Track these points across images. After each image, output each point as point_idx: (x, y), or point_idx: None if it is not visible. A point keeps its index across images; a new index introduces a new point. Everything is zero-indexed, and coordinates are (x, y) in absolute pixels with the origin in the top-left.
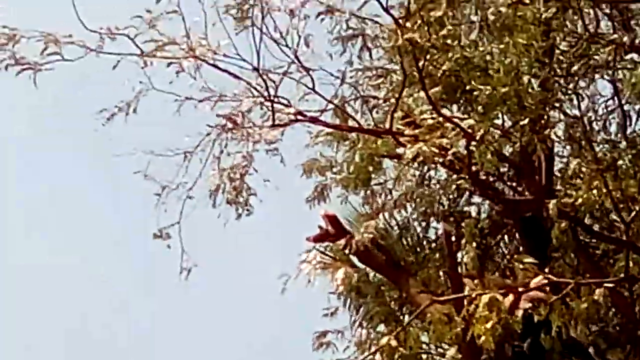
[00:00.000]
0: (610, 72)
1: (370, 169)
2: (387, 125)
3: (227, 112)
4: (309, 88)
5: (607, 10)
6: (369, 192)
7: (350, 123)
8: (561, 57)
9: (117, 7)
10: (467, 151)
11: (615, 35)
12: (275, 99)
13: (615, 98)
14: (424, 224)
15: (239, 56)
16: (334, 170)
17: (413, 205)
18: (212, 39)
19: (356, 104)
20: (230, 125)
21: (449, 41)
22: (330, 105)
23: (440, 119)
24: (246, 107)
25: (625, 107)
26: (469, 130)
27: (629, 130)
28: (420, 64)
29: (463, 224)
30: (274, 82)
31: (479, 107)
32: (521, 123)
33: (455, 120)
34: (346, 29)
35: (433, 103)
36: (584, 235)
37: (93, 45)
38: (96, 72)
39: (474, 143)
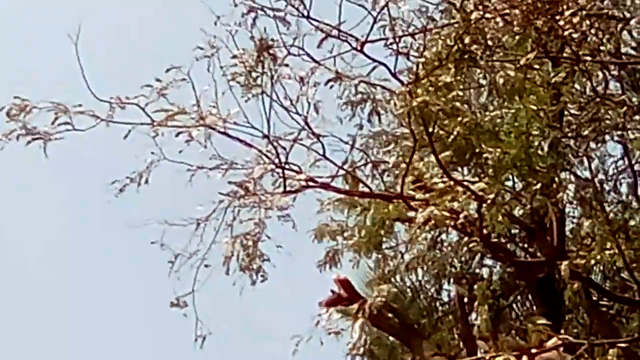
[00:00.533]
0: (620, 132)
1: (382, 232)
2: (398, 190)
3: (238, 179)
4: (319, 154)
5: (616, 72)
6: (380, 255)
7: (361, 188)
8: (571, 119)
9: (127, 76)
10: (479, 214)
11: (624, 97)
12: (286, 166)
13: (625, 158)
14: (436, 286)
15: (249, 124)
16: (345, 234)
17: (425, 268)
18: (222, 107)
19: (366, 169)
20: (242, 192)
21: (457, 104)
22: (341, 171)
23: (451, 182)
24: (257, 175)
25: (636, 167)
26: (480, 193)
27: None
28: (430, 129)
29: (475, 286)
30: (284, 148)
31: (490, 170)
32: (532, 190)
33: (466, 183)
34: (355, 94)
35: (443, 167)
36: (596, 295)
37: (103, 114)
38: (107, 142)
39: (485, 206)
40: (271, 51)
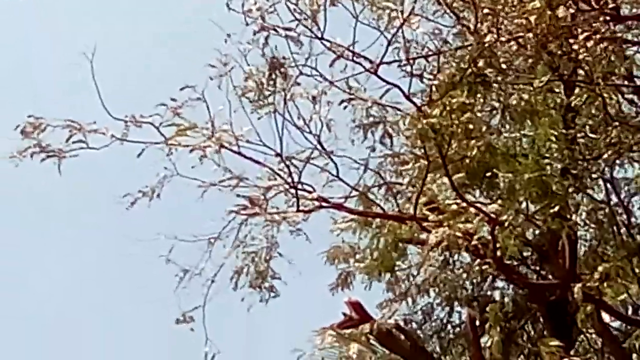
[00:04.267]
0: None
1: (395, 255)
2: (411, 211)
3: (251, 195)
4: (332, 175)
5: (629, 95)
6: (392, 277)
7: (374, 209)
8: (583, 140)
9: (141, 95)
10: (492, 236)
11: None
12: (299, 185)
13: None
14: (447, 308)
15: (262, 143)
16: (357, 257)
17: (437, 290)
18: (235, 125)
19: (380, 191)
20: (254, 209)
21: (471, 126)
22: (355, 191)
23: (464, 204)
24: (270, 194)
25: None
26: (493, 216)
27: None
28: (444, 150)
29: (487, 309)
30: (297, 167)
31: (503, 192)
32: (547, 212)
33: (479, 205)
34: (367, 116)
35: (456, 189)
36: (608, 317)
37: (117, 132)
38: (120, 157)
39: (497, 228)
40: (282, 69)
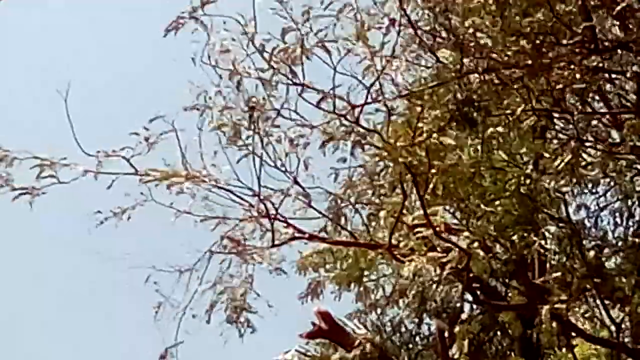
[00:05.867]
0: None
1: (363, 265)
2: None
3: (227, 231)
4: (305, 204)
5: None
6: (362, 288)
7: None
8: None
9: (114, 126)
10: (466, 268)
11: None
12: (275, 218)
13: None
14: (416, 320)
15: (241, 183)
16: (327, 267)
17: (405, 302)
18: (211, 159)
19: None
20: (233, 247)
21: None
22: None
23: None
24: (248, 230)
25: (617, 205)
26: (465, 248)
27: (619, 230)
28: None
29: (456, 321)
30: (273, 204)
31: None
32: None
33: (453, 238)
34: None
35: (434, 227)
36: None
37: (88, 163)
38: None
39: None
40: (258, 111)
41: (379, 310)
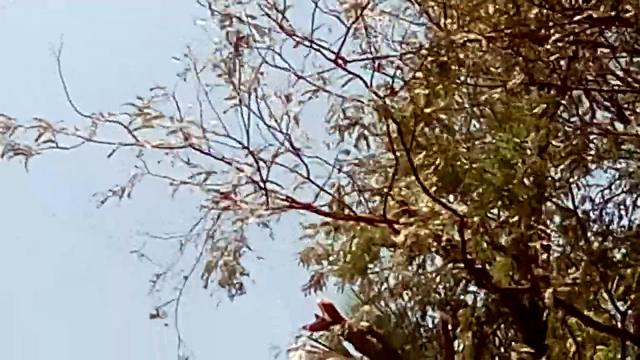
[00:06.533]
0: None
1: (367, 258)
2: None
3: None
4: (303, 177)
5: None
6: (365, 280)
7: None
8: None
9: (110, 95)
10: (461, 237)
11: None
12: (268, 183)
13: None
14: (420, 312)
15: (229, 136)
16: (331, 259)
17: (409, 294)
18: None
19: (352, 195)
20: (224, 203)
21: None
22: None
23: (435, 206)
24: (237, 181)
25: (622, 196)
26: (462, 214)
27: (624, 221)
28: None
29: (459, 313)
30: (265, 162)
31: (474, 199)
32: (514, 221)
33: (450, 206)
34: (343, 118)
35: (425, 189)
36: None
37: (85, 128)
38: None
39: (470, 232)
40: (247, 43)
41: (382, 303)
